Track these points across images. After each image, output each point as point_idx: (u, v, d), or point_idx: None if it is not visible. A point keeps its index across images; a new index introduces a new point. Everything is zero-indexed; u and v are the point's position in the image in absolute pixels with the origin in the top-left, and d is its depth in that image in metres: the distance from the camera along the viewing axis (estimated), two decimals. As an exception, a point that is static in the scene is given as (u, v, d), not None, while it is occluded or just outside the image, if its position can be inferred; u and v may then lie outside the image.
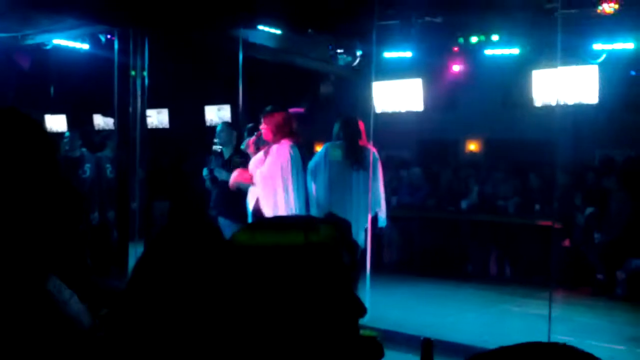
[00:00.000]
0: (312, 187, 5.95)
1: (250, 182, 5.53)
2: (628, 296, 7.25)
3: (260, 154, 5.60)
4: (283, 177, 5.38)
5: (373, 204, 5.99)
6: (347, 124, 6.02)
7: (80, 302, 0.91)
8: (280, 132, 5.47)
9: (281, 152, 5.42)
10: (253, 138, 5.84)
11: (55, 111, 11.61)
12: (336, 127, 6.07)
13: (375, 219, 6.06)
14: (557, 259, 7.44)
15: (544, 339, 4.90)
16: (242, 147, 6.20)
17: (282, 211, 5.34)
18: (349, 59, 9.87)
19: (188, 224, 1.73)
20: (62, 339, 0.82)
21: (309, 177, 5.91)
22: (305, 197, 5.75)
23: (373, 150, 6.05)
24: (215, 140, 6.56)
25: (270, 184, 5.38)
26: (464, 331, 5.64)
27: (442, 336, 4.55)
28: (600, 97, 9.00)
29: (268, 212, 5.37)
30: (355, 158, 5.90)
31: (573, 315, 6.47)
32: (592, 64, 8.87)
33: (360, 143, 6.00)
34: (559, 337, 5.05)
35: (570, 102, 8.77)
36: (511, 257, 8.59)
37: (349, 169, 5.87)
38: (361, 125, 6.09)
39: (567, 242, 8.06)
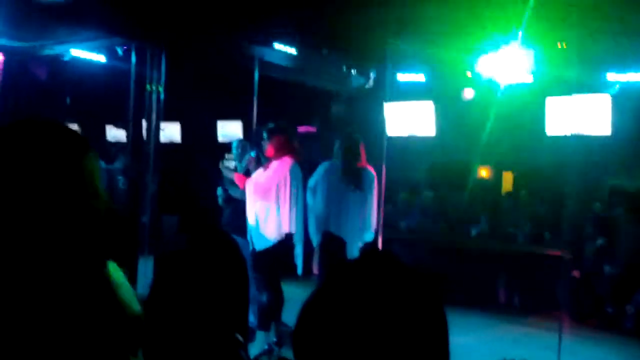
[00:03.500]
0: (310, 206, 5.97)
1: (242, 187, 5.58)
2: (637, 330, 7.18)
3: (261, 169, 5.64)
4: (279, 191, 5.41)
5: (369, 224, 6.00)
6: (348, 144, 6.02)
7: (131, 288, 0.93)
8: (282, 149, 5.51)
9: (281, 167, 5.46)
10: (253, 156, 5.89)
11: (69, 121, 11.66)
12: (336, 146, 6.09)
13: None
14: (566, 289, 7.40)
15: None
16: (243, 163, 6.23)
17: (272, 224, 5.38)
18: (362, 80, 9.91)
19: (208, 237, 1.73)
20: (114, 320, 0.85)
21: (308, 194, 5.93)
22: (304, 215, 5.78)
23: (371, 171, 6.07)
24: (228, 156, 6.58)
25: (265, 196, 5.41)
26: (471, 359, 5.58)
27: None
28: (613, 128, 8.98)
29: (262, 224, 5.41)
30: (351, 178, 5.90)
31: (581, 348, 6.42)
32: (606, 93, 8.87)
33: (359, 164, 6.00)
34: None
35: (583, 133, 8.75)
36: (520, 285, 8.53)
37: (345, 189, 5.88)
38: (361, 145, 6.09)
39: (576, 273, 8.00)
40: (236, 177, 5.82)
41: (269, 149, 5.57)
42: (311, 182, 5.97)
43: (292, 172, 5.48)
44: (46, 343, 0.78)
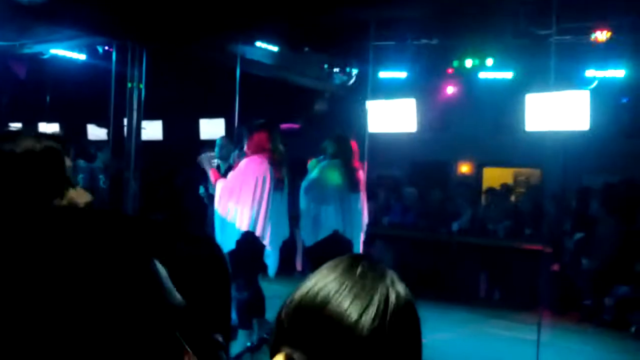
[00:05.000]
0: (305, 206, 5.94)
1: (213, 182, 5.58)
2: (615, 322, 7.29)
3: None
4: (240, 190, 5.34)
5: (364, 223, 6.05)
6: (344, 144, 6.04)
7: (171, 283, 1.02)
8: (256, 147, 5.49)
9: (246, 166, 5.40)
10: (239, 153, 5.89)
11: (49, 120, 11.60)
12: (331, 146, 6.06)
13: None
14: (546, 283, 7.49)
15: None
16: (231, 161, 6.24)
17: (238, 224, 5.32)
18: (345, 77, 9.95)
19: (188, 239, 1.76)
20: (161, 306, 0.93)
21: (303, 195, 5.91)
22: (287, 215, 5.75)
23: (361, 170, 6.12)
24: (210, 154, 6.57)
25: (226, 196, 5.37)
26: (452, 354, 5.66)
27: (429, 358, 4.56)
28: (591, 123, 9.10)
29: (225, 224, 5.40)
30: (351, 179, 5.94)
31: (561, 340, 6.51)
32: (584, 89, 8.99)
33: (355, 164, 6.05)
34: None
35: (562, 128, 8.87)
36: (500, 280, 8.62)
37: (346, 190, 5.90)
38: (354, 145, 6.13)
39: (556, 267, 8.11)
40: (211, 172, 5.78)
41: (247, 147, 5.57)
42: (306, 183, 5.94)
43: (260, 172, 5.41)
44: (104, 326, 0.88)
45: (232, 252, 5.27)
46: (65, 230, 0.95)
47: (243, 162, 5.45)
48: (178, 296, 1.01)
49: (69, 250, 0.92)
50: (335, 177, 5.88)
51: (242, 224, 5.32)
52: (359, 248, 5.95)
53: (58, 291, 0.89)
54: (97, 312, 0.88)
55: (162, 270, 1.02)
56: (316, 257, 5.78)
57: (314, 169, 6.00)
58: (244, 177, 5.36)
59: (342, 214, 5.87)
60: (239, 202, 5.33)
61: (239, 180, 5.36)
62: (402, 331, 1.03)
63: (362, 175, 6.11)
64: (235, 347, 5.33)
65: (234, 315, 5.55)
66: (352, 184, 5.93)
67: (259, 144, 5.48)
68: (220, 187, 5.45)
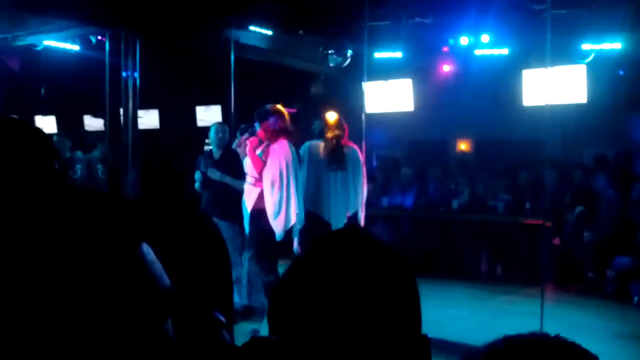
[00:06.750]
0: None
1: (256, 170, 5.52)
2: (617, 294, 7.32)
3: (259, 153, 5.60)
4: (286, 176, 5.42)
5: (354, 203, 5.99)
6: (327, 123, 6.00)
7: (161, 265, 1.02)
8: (272, 133, 5.50)
9: (282, 151, 5.45)
10: (246, 137, 5.85)
11: (45, 112, 11.57)
12: (317, 126, 6.05)
13: (354, 217, 6.04)
14: (548, 257, 7.51)
15: (536, 337, 4.95)
16: (234, 146, 6.21)
17: (284, 209, 5.40)
18: (340, 59, 9.91)
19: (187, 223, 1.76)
20: (148, 292, 0.95)
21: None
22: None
23: (357, 150, 6.05)
24: (207, 141, 6.54)
25: (276, 184, 5.42)
26: (458, 329, 5.67)
27: (435, 334, 4.56)
28: (588, 97, 9.08)
29: (270, 210, 5.42)
30: (334, 157, 5.88)
31: (564, 313, 6.52)
32: (581, 63, 8.95)
33: (342, 142, 5.98)
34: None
35: (560, 102, 8.83)
36: (502, 255, 8.64)
37: (327, 169, 5.86)
38: (344, 123, 6.07)
39: (557, 241, 8.12)
40: (253, 160, 5.68)
41: (261, 132, 5.57)
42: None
43: (292, 154, 5.49)
44: (89, 311, 0.89)
45: (268, 235, 5.36)
46: (55, 213, 0.94)
47: (275, 148, 5.45)
48: (166, 280, 1.00)
49: (56, 234, 0.91)
50: (314, 157, 5.85)
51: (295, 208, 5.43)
52: (339, 227, 5.92)
53: (41, 277, 0.88)
54: (80, 297, 0.87)
55: (149, 255, 1.00)
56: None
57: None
58: (281, 163, 5.41)
59: (318, 193, 5.84)
60: (285, 187, 5.40)
61: (281, 166, 5.41)
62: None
63: (355, 154, 6.02)
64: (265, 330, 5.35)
65: (263, 299, 5.63)
66: (334, 162, 5.87)
67: (275, 129, 5.48)
68: (266, 176, 5.47)
